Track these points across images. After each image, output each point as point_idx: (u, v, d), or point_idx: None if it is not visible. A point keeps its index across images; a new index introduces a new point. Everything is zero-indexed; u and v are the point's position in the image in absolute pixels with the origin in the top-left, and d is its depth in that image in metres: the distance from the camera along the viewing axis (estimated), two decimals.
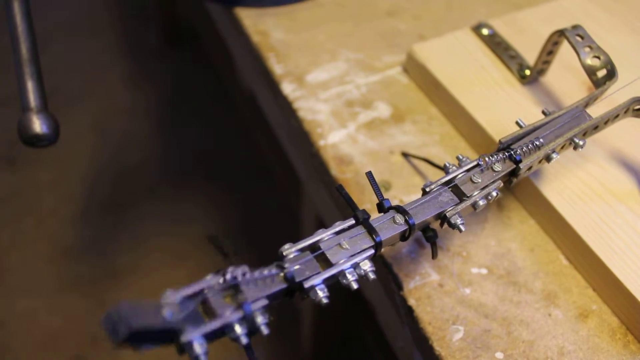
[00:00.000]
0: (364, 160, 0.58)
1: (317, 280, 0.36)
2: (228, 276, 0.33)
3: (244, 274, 0.33)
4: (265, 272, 0.34)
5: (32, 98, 0.46)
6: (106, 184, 1.73)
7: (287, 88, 0.64)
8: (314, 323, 1.20)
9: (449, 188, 0.44)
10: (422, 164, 0.58)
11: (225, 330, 0.32)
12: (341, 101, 0.63)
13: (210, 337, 0.31)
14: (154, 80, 2.00)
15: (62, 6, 2.21)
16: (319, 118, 0.62)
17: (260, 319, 0.32)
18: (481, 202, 0.44)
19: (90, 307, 1.50)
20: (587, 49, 0.53)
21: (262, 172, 1.71)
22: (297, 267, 0.36)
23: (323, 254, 0.37)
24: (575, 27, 0.54)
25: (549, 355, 0.46)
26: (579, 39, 0.53)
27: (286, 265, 0.35)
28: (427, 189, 0.44)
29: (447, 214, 0.43)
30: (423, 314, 0.49)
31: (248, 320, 0.32)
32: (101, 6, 2.24)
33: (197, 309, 0.31)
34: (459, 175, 0.44)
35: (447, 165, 0.45)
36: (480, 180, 0.44)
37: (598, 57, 0.53)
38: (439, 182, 0.44)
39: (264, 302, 0.33)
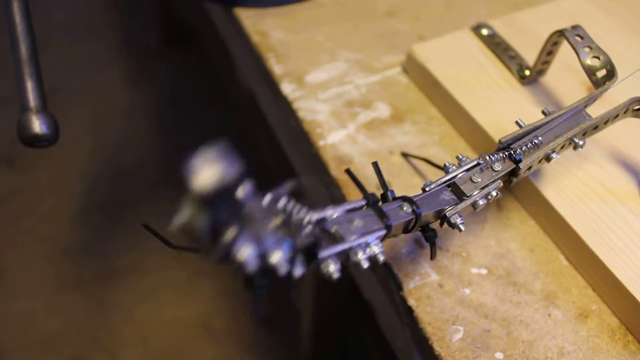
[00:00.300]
0: (364, 160, 0.58)
1: (330, 251, 0.35)
2: (280, 204, 0.32)
3: (294, 207, 0.32)
4: (307, 222, 0.34)
5: (32, 98, 0.45)
6: (105, 184, 1.72)
7: (287, 88, 0.64)
8: (314, 324, 1.20)
9: (448, 188, 0.44)
10: (422, 164, 0.58)
11: (266, 254, 0.30)
12: (341, 101, 0.63)
13: (255, 246, 0.29)
14: (153, 81, 2.00)
15: (61, 6, 2.20)
16: (319, 118, 0.62)
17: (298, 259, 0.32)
18: (481, 202, 0.44)
19: (89, 308, 1.50)
20: (587, 49, 0.53)
21: (262, 173, 1.70)
22: (334, 227, 0.35)
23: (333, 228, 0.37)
24: (574, 27, 0.54)
25: (549, 355, 0.46)
26: (578, 39, 0.53)
27: (326, 219, 0.35)
28: (427, 189, 0.44)
29: (446, 214, 0.43)
30: (423, 314, 0.49)
31: (292, 254, 0.31)
32: (100, 6, 2.24)
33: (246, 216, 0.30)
34: (459, 175, 0.44)
35: (447, 165, 0.45)
36: (480, 180, 0.44)
37: (598, 58, 0.53)
38: (439, 182, 0.44)
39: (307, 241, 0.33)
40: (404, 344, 0.55)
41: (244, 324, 1.45)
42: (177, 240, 0.33)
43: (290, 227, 0.32)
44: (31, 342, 1.44)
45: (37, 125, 0.45)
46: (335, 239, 0.36)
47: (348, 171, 0.42)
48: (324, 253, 0.35)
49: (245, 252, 0.28)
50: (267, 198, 0.31)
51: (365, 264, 0.37)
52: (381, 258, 0.37)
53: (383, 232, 0.38)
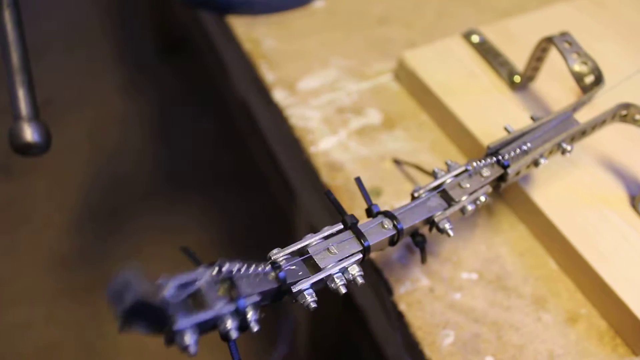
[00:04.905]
0: (355, 166, 0.58)
1: (305, 284, 0.36)
2: (224, 269, 0.33)
3: (239, 269, 0.33)
4: (259, 269, 0.34)
5: (24, 106, 0.46)
6: (101, 192, 1.72)
7: (279, 95, 0.65)
8: (309, 330, 1.20)
9: (437, 193, 0.44)
10: (413, 170, 0.58)
11: (217, 323, 0.32)
12: (332, 108, 0.64)
13: (200, 328, 0.31)
14: (147, 90, 2.00)
15: (56, 17, 2.21)
16: (310, 125, 0.62)
17: (251, 315, 0.33)
18: (470, 207, 0.44)
19: (86, 317, 1.50)
20: (575, 56, 0.53)
21: (256, 181, 1.71)
22: (291, 268, 0.36)
23: (311, 258, 0.37)
24: (563, 34, 0.55)
25: (539, 359, 0.47)
26: (566, 45, 0.54)
27: (280, 265, 0.36)
28: (416, 194, 0.44)
29: (435, 219, 0.43)
30: (413, 319, 0.49)
31: (240, 314, 0.32)
32: (95, 16, 2.25)
33: (189, 299, 0.31)
34: (448, 181, 0.45)
35: (436, 170, 0.45)
36: (468, 186, 0.45)
37: (585, 64, 0.53)
38: (428, 188, 0.44)
39: (256, 298, 0.33)
40: (395, 349, 0.56)
41: None
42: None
43: (239, 287, 0.33)
44: (28, 351, 1.44)
45: (29, 133, 0.45)
46: (313, 269, 0.37)
47: (327, 193, 0.43)
48: (297, 287, 0.36)
49: (187, 339, 0.30)
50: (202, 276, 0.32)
51: (343, 290, 0.37)
52: (360, 281, 0.38)
53: (360, 257, 0.39)
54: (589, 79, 0.53)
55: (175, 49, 2.10)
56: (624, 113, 0.51)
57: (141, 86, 2.01)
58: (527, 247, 0.53)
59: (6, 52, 0.46)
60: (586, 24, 0.69)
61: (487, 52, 0.65)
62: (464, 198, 0.44)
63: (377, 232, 0.40)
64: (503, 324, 0.49)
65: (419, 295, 0.50)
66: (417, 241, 0.44)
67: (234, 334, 0.32)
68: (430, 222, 0.43)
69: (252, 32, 0.71)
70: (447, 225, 0.43)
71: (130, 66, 2.08)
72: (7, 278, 1.56)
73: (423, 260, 0.47)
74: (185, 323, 0.30)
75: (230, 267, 0.33)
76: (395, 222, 0.41)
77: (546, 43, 0.56)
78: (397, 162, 0.59)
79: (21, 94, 0.46)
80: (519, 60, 0.63)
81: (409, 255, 0.52)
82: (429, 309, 0.49)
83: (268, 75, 0.67)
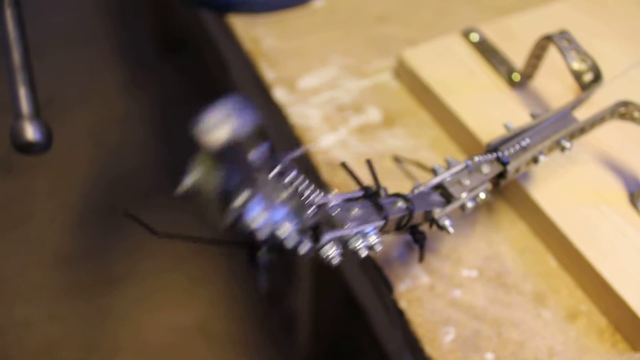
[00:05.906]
0: (355, 164, 0.59)
1: (333, 235, 0.35)
2: (289, 178, 0.31)
3: (306, 189, 0.32)
4: (312, 202, 0.33)
5: (25, 105, 0.46)
6: (103, 190, 1.73)
7: (279, 94, 0.65)
8: (310, 327, 1.21)
9: (437, 190, 0.45)
10: (413, 167, 0.58)
11: (275, 225, 0.30)
12: (332, 106, 0.64)
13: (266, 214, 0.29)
14: (149, 88, 2.01)
15: (57, 16, 2.22)
16: (311, 123, 0.62)
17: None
18: (469, 204, 0.44)
19: (88, 314, 1.50)
20: (574, 54, 0.54)
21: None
22: (337, 212, 0.36)
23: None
24: (562, 32, 0.55)
25: (539, 356, 0.47)
26: (565, 43, 0.54)
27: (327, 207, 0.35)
28: (416, 191, 0.44)
29: (435, 216, 0.43)
30: (414, 317, 0.49)
31: (299, 229, 0.31)
32: (96, 15, 2.25)
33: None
34: (447, 178, 0.45)
35: (436, 167, 0.46)
36: (468, 182, 0.45)
37: (584, 61, 0.53)
38: (428, 184, 0.44)
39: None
40: (395, 346, 0.56)
41: (243, 327, 1.45)
42: (164, 228, 0.33)
43: (297, 203, 0.31)
44: (30, 349, 1.45)
45: (30, 132, 0.45)
46: (336, 224, 0.36)
47: (344, 164, 0.43)
48: (327, 235, 0.34)
49: (259, 218, 0.28)
50: (276, 169, 0.30)
51: (364, 252, 0.36)
52: (379, 248, 0.37)
53: (382, 222, 0.38)
54: (588, 77, 0.54)
55: (176, 47, 2.10)
56: (622, 110, 0.52)
57: (142, 85, 2.02)
58: (526, 244, 0.54)
59: (7, 51, 0.46)
60: (585, 22, 0.69)
61: (486, 50, 0.65)
62: (463, 195, 0.44)
63: (392, 209, 0.40)
64: (503, 321, 0.49)
65: (419, 293, 0.50)
66: (417, 238, 0.44)
67: (290, 241, 0.30)
68: (431, 219, 0.44)
69: (252, 31, 0.72)
70: (447, 222, 0.43)
71: (132, 65, 2.09)
72: (9, 276, 1.56)
73: (421, 258, 0.47)
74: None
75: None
76: (409, 204, 0.41)
77: (545, 41, 0.56)
78: (397, 159, 0.59)
79: (22, 93, 0.46)
80: (518, 58, 0.63)
81: (409, 252, 0.53)
82: (429, 306, 0.50)
83: (268, 73, 0.67)
